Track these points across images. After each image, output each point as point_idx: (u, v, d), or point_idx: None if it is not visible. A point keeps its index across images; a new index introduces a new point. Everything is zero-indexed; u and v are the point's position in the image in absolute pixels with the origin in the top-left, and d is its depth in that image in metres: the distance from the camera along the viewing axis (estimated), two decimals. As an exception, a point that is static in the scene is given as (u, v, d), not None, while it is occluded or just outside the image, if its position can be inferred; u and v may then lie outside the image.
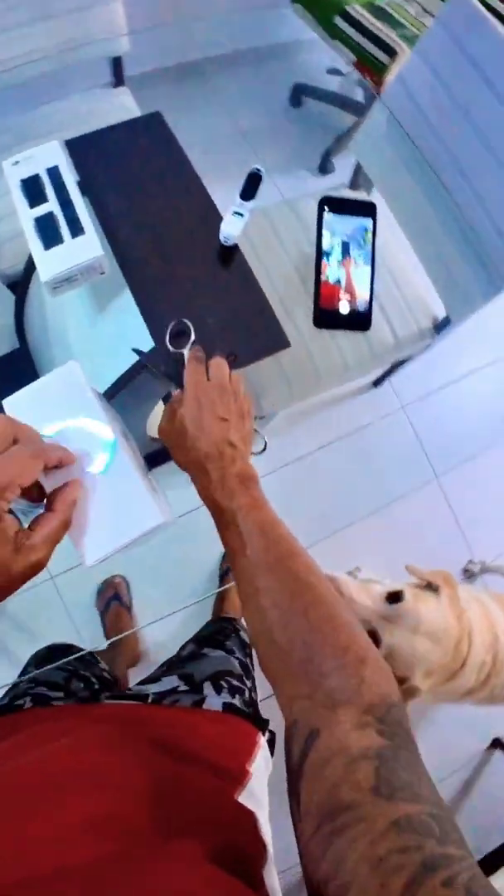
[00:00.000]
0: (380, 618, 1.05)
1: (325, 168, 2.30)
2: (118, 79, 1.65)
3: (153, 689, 0.83)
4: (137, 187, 1.04)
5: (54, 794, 0.47)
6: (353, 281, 1.00)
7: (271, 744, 0.78)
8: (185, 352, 0.90)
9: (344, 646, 0.50)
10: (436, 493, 2.10)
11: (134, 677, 1.69)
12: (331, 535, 1.95)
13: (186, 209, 1.04)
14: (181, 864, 0.40)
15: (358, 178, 1.71)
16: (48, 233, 0.90)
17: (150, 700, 0.77)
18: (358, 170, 1.70)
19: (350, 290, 1.00)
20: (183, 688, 0.82)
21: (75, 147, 1.04)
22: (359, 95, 2.43)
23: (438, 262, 1.45)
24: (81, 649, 1.13)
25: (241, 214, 1.00)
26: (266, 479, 1.97)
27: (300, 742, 0.46)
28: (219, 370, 0.76)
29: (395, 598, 1.06)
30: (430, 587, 1.12)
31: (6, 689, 0.93)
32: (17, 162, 0.97)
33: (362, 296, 0.98)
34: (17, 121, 1.61)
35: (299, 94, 2.45)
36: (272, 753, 0.78)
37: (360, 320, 1.00)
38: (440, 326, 1.54)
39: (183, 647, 1.13)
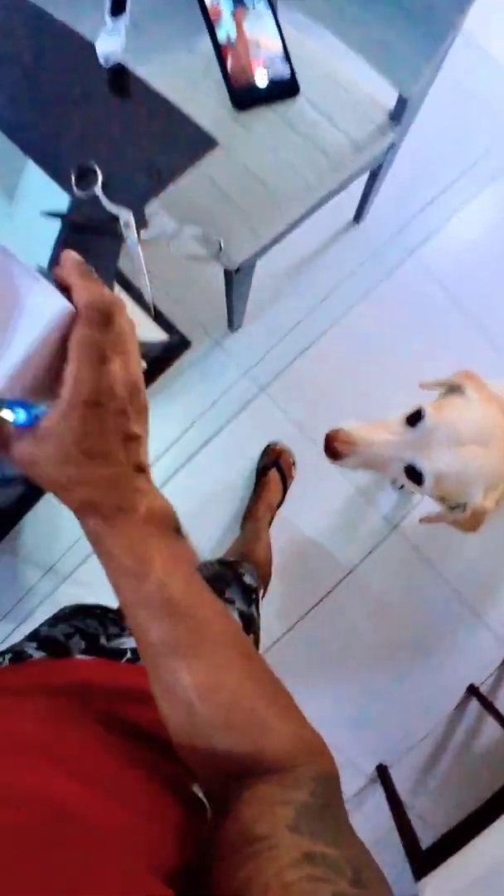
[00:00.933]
0: (409, 447, 0.90)
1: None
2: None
3: (130, 643, 0.75)
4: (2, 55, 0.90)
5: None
6: (257, 38, 0.82)
7: None
8: (97, 192, 0.78)
9: (295, 738, 0.45)
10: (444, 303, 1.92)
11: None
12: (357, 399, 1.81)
13: (58, 56, 0.91)
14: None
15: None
16: None
17: (125, 658, 0.72)
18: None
19: (257, 52, 0.83)
20: None
21: None
22: None
23: (368, 42, 1.27)
24: (107, 609, 1.04)
25: (117, 32, 0.87)
26: (271, 355, 1.86)
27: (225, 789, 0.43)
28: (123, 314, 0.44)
29: (415, 418, 0.91)
30: (452, 391, 0.97)
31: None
32: None
33: (274, 51, 0.81)
34: None
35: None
36: None
37: (283, 86, 0.84)
38: (397, 115, 1.36)
39: None
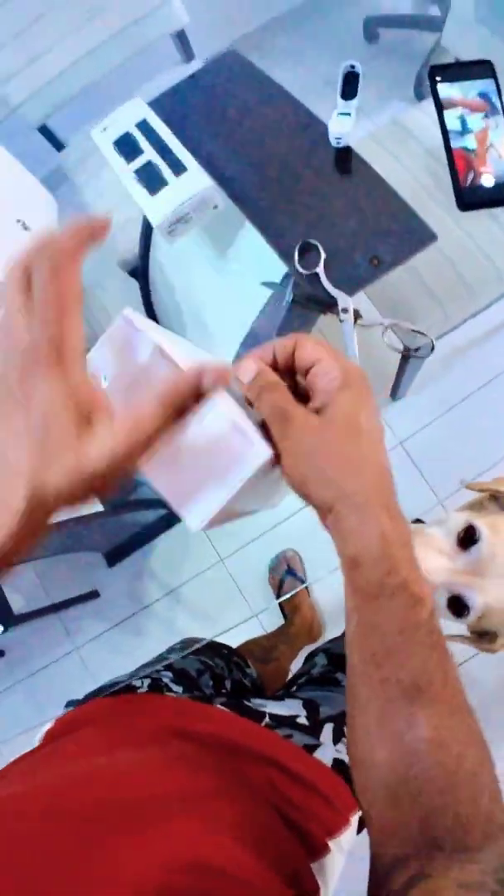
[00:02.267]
0: (461, 574, 0.79)
1: (420, 93, 2.13)
2: (188, 54, 1.61)
3: (272, 708, 0.73)
4: (233, 122, 0.97)
5: (160, 811, 0.46)
6: (492, 147, 0.85)
7: (361, 822, 0.65)
8: (319, 270, 0.82)
9: (488, 810, 0.39)
10: None
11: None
12: None
13: (287, 128, 0.96)
14: None
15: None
16: (151, 179, 0.85)
17: (264, 722, 0.70)
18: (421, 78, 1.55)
19: (490, 158, 0.86)
20: (303, 720, 0.72)
21: (159, 105, 0.99)
22: (434, 10, 2.25)
23: None
24: (232, 650, 1.05)
25: (348, 114, 0.90)
26: (428, 430, 1.86)
27: (404, 875, 0.38)
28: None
29: (468, 539, 0.81)
30: (498, 500, 0.87)
31: (143, 667, 0.90)
32: (104, 129, 0.94)
33: None
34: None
35: (373, 27, 2.30)
36: (358, 832, 0.66)
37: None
38: None
39: (313, 657, 1.02)
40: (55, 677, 1.79)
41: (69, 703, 0.77)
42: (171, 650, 0.99)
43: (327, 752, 0.67)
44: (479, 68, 0.95)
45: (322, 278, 0.81)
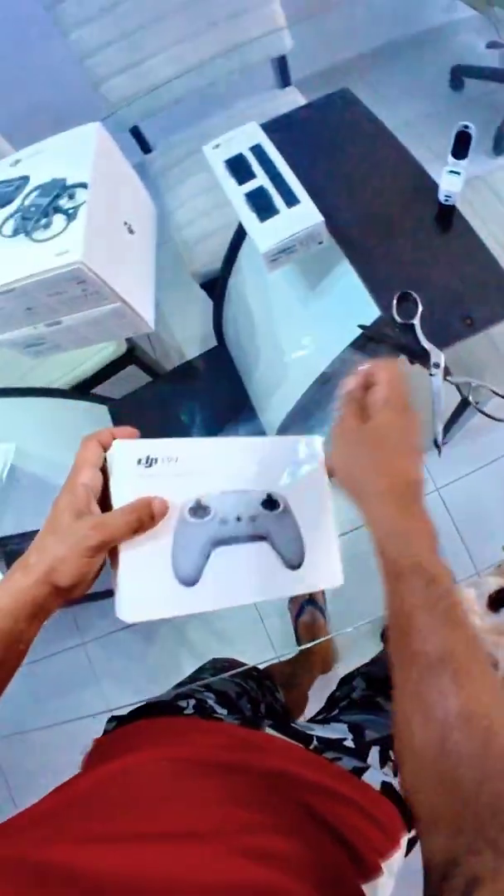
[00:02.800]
0: (490, 633, 0.85)
1: (499, 149, 2.16)
2: (285, 79, 1.63)
3: (319, 731, 0.74)
4: (340, 160, 0.99)
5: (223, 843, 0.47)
6: None
7: (411, 843, 0.67)
8: (416, 322, 0.82)
9: None
10: None
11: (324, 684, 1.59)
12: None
13: (393, 175, 0.97)
14: None
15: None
16: (262, 206, 0.86)
17: (312, 746, 0.71)
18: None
19: None
20: (349, 743, 0.73)
21: (270, 129, 1.00)
22: (522, 68, 2.28)
23: None
24: (260, 671, 1.06)
25: (458, 172, 0.91)
26: (466, 480, 1.85)
27: (459, 885, 0.38)
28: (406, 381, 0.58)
29: (499, 601, 0.86)
30: None
31: (178, 686, 0.91)
32: (217, 145, 0.95)
33: None
34: (190, 133, 1.62)
35: (459, 75, 2.33)
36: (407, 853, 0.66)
37: None
38: None
39: (351, 679, 1.02)
40: (56, 668, 1.78)
41: (111, 720, 0.76)
42: (202, 670, 0.99)
43: (375, 774, 0.68)
44: None
45: (417, 330, 0.82)
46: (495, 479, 1.82)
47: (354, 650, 1.70)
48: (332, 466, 0.53)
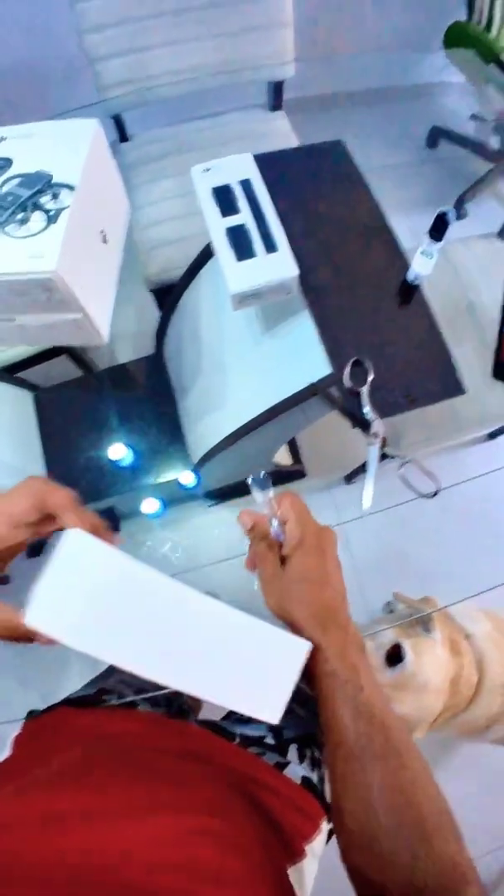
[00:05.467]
0: (388, 688, 0.93)
1: (458, 213, 2.25)
2: (277, 102, 1.64)
3: (241, 729, 0.80)
4: (322, 214, 1.00)
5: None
6: None
7: (330, 832, 0.74)
8: (364, 390, 0.86)
9: (452, 863, 0.47)
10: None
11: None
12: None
13: (369, 242, 1.00)
14: None
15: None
16: (241, 244, 0.87)
17: (236, 741, 0.76)
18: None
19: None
20: (270, 741, 0.79)
21: (259, 162, 1.01)
22: (496, 143, 2.40)
23: None
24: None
25: (431, 255, 0.95)
26: (367, 520, 1.91)
27: None
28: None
29: (395, 657, 0.94)
30: (422, 623, 1.01)
31: (94, 680, 0.92)
32: (207, 169, 0.95)
33: None
34: (172, 132, 1.60)
35: (437, 136, 2.42)
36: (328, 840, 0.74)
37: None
38: None
39: None
40: None
41: (30, 714, 0.76)
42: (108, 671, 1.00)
43: (296, 769, 0.74)
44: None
45: (364, 399, 0.85)
46: (397, 522, 1.91)
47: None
48: (267, 604, 0.58)
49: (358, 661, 0.54)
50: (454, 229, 1.17)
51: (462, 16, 2.13)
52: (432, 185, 2.35)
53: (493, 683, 1.03)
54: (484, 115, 2.38)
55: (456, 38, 2.11)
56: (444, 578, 1.68)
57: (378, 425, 0.84)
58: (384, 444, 0.85)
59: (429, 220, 0.98)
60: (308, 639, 0.54)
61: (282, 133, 1.62)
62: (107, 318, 0.86)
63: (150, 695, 0.85)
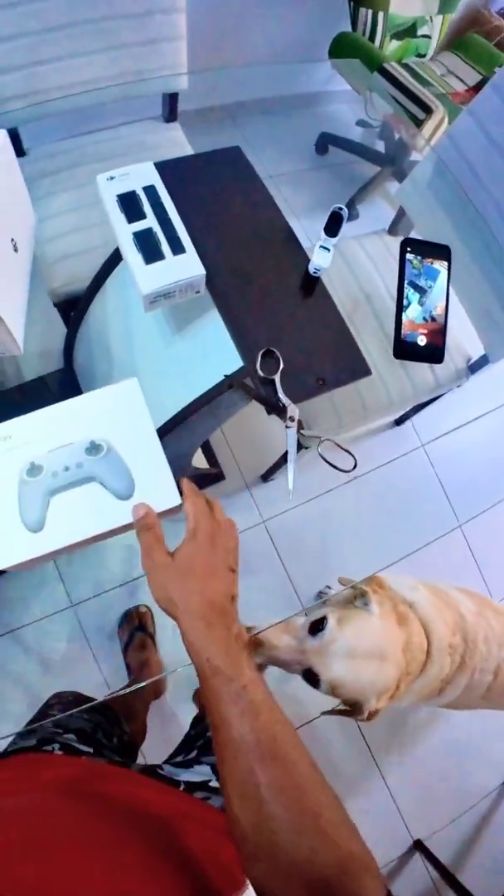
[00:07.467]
0: (308, 654, 0.98)
1: (350, 214, 2.36)
2: (172, 114, 1.69)
3: (184, 776, 0.81)
4: (224, 216, 1.05)
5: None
6: (430, 317, 1.03)
7: None
8: (276, 378, 0.91)
9: (350, 854, 0.49)
10: (456, 536, 2.12)
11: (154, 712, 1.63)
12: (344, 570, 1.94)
13: (270, 240, 1.06)
14: None
15: (398, 225, 1.77)
16: (148, 248, 0.91)
17: (181, 788, 0.77)
18: (399, 216, 1.77)
19: (427, 325, 1.03)
20: (214, 783, 0.80)
21: (160, 170, 1.05)
22: (380, 147, 2.54)
23: (479, 303, 1.49)
24: (104, 703, 1.10)
25: (328, 249, 1.03)
26: (289, 514, 1.99)
27: None
28: (221, 512, 0.68)
29: (317, 627, 1.00)
30: (362, 597, 1.07)
31: (30, 724, 0.92)
32: (112, 177, 0.98)
33: (437, 330, 1.03)
34: (69, 145, 1.62)
35: (326, 142, 2.54)
36: None
37: (435, 353, 1.03)
38: (474, 366, 1.58)
39: (204, 718, 1.08)
40: None
41: None
42: (48, 706, 0.99)
43: None
44: (440, 250, 1.13)
45: (277, 385, 0.91)
46: (317, 514, 2.00)
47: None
48: (153, 596, 0.60)
49: (243, 658, 0.56)
50: (348, 228, 1.26)
51: (346, 27, 2.25)
52: (323, 190, 2.46)
53: (441, 644, 1.10)
54: (370, 122, 2.51)
55: (341, 48, 2.23)
56: (367, 559, 1.77)
57: (293, 409, 0.90)
58: (301, 426, 0.90)
59: (322, 223, 1.06)
60: (190, 632, 0.57)
61: (177, 143, 1.67)
62: (21, 326, 0.88)
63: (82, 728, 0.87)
